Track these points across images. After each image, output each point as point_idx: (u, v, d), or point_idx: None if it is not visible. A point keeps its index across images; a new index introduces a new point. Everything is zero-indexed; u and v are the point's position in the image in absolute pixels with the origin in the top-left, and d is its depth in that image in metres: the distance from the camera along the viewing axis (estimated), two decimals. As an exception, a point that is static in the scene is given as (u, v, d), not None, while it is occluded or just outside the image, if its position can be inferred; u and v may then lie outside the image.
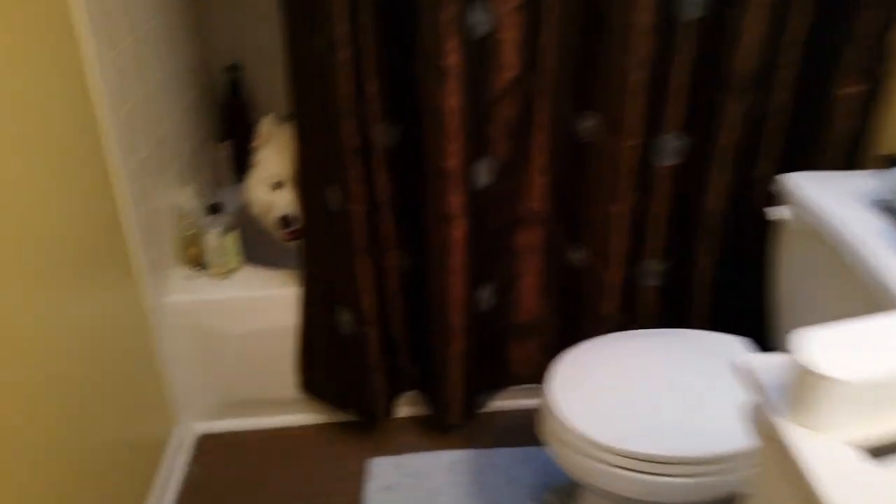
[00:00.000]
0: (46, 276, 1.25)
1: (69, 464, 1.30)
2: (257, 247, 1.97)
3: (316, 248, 1.67)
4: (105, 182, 1.49)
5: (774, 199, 1.46)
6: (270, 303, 1.79)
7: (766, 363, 0.80)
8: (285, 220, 1.74)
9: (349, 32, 1.36)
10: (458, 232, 1.53)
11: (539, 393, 1.90)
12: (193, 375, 1.86)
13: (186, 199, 1.85)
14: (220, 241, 1.77)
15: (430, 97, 1.41)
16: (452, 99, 1.40)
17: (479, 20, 1.39)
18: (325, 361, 1.80)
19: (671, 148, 1.53)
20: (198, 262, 1.85)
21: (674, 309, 1.70)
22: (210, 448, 1.92)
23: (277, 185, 1.77)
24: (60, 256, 1.30)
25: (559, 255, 1.70)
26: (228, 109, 2.33)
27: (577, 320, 1.73)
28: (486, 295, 1.68)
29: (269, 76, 2.00)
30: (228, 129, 2.33)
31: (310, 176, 1.59)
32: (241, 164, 2.27)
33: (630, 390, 1.34)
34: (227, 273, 1.81)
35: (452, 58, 1.36)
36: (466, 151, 1.46)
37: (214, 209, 1.76)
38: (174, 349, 1.81)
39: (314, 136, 1.52)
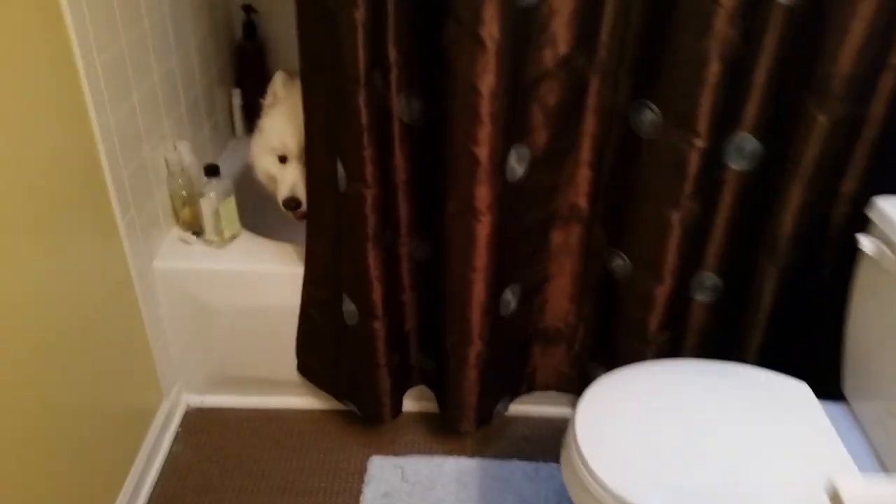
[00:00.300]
0: (19, 232, 1.13)
1: (48, 430, 1.23)
2: (261, 212, 1.78)
3: (322, 230, 1.47)
4: (84, 130, 1.30)
5: (861, 223, 1.23)
6: (270, 279, 1.61)
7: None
8: (291, 203, 1.55)
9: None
10: (483, 229, 1.32)
11: (562, 401, 1.76)
12: (183, 346, 1.71)
13: (183, 154, 1.66)
14: (216, 207, 1.58)
15: (462, 71, 1.18)
16: (488, 76, 1.17)
17: (528, -17, 1.15)
18: (325, 349, 1.63)
19: (743, 151, 1.30)
20: (193, 226, 1.67)
21: (724, 333, 1.49)
22: (198, 423, 1.78)
23: (283, 160, 1.57)
24: (34, 210, 1.17)
25: (598, 258, 1.49)
26: (241, 53, 2.10)
27: (612, 332, 1.53)
28: (510, 296, 1.48)
29: (288, 22, 1.78)
30: (241, 74, 2.11)
31: (318, 151, 1.38)
32: (252, 113, 2.07)
33: (670, 440, 1.14)
34: (225, 241, 1.63)
35: (492, 27, 1.13)
36: (500, 138, 1.24)
37: (212, 171, 1.57)
38: (162, 317, 1.65)
39: (324, 107, 1.31)
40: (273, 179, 1.60)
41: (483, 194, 1.28)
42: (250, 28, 2.08)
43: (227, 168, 1.95)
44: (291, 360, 1.70)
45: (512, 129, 1.27)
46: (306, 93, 1.33)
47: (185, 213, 1.67)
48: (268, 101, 1.61)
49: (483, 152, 1.24)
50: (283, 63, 2.14)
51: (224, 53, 2.02)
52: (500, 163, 1.27)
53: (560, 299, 1.56)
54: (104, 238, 1.41)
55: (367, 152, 1.27)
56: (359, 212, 1.34)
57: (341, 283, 1.50)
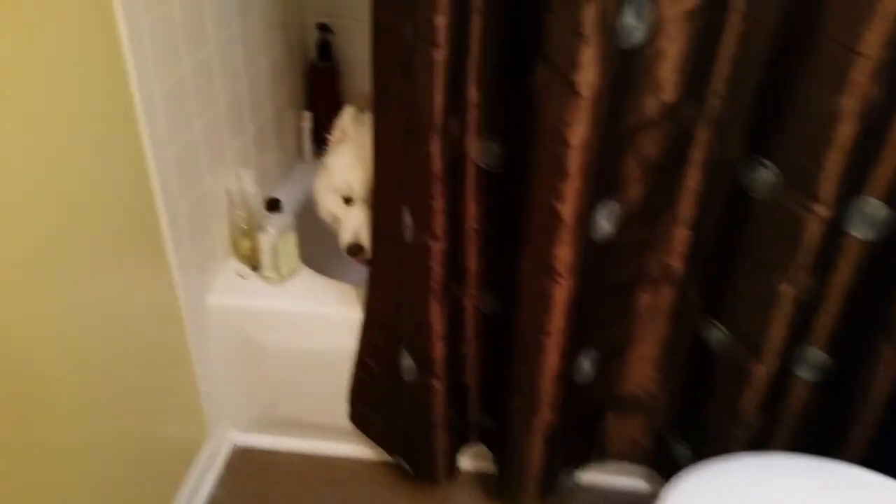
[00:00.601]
0: (66, 262, 1.08)
1: (84, 463, 1.19)
2: (323, 245, 1.68)
3: (384, 278, 1.36)
4: (137, 165, 1.22)
5: None
6: (326, 322, 1.51)
7: None
8: (353, 249, 1.44)
9: (450, 25, 1.00)
10: (561, 291, 1.17)
11: (635, 473, 1.59)
12: (232, 383, 1.63)
13: (245, 183, 1.57)
14: (275, 243, 1.48)
15: (550, 119, 1.04)
16: (580, 126, 1.02)
17: (632, 24, 1.00)
18: (379, 400, 1.52)
19: (869, 217, 1.11)
20: (251, 260, 1.58)
21: (828, 420, 1.30)
22: (243, 465, 1.69)
23: (349, 201, 1.46)
24: (81, 244, 1.11)
25: (689, 325, 1.32)
26: (314, 74, 2.01)
27: (700, 406, 1.36)
28: (586, 361, 1.33)
29: (365, 42, 1.69)
30: (312, 96, 2.02)
31: (385, 195, 1.27)
32: (321, 138, 1.98)
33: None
34: (282, 278, 1.54)
35: (589, 72, 0.98)
36: (588, 194, 1.09)
37: (273, 206, 1.47)
38: (212, 353, 1.56)
39: (395, 150, 1.19)
40: (336, 219, 1.49)
41: (563, 255, 1.14)
42: (325, 48, 1.99)
43: (292, 194, 1.86)
44: (343, 407, 1.59)
45: (602, 183, 1.12)
46: (377, 133, 1.21)
47: (244, 244, 1.59)
48: (335, 137, 1.51)
49: (567, 209, 1.10)
50: (358, 86, 2.06)
51: (296, 75, 1.94)
52: (585, 221, 1.12)
53: (642, 366, 1.40)
54: (155, 272, 1.33)
55: (437, 203, 1.15)
56: (424, 265, 1.21)
57: (400, 336, 1.38)
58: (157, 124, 1.23)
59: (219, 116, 1.48)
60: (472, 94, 1.13)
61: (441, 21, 0.99)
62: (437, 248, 1.19)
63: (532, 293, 1.20)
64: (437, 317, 1.27)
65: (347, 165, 1.44)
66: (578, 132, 1.03)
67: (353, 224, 1.43)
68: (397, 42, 1.10)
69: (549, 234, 1.12)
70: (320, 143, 2.01)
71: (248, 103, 1.62)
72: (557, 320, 1.20)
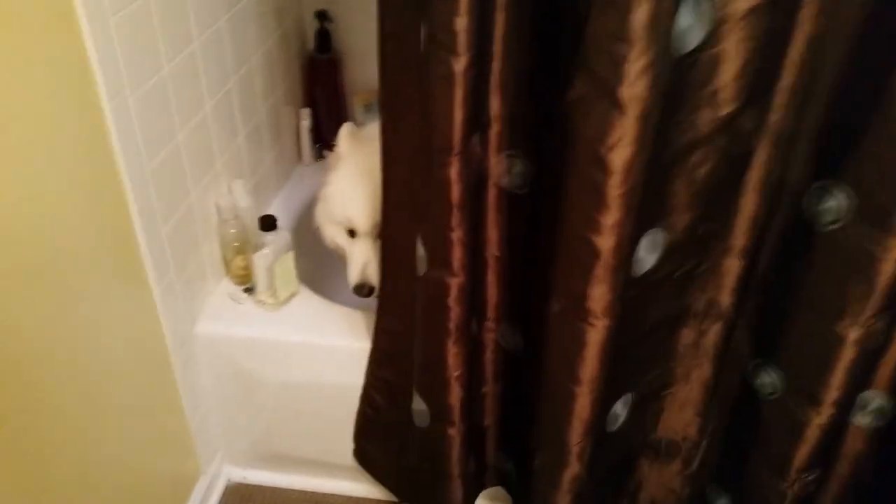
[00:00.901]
0: (43, 297, 0.97)
1: (81, 498, 1.11)
2: (323, 259, 1.52)
3: (395, 309, 1.21)
4: (111, 185, 1.08)
5: None
6: (328, 353, 1.36)
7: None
8: (361, 290, 1.29)
9: (472, 28, 0.84)
10: (596, 335, 1.02)
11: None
12: (226, 417, 1.48)
13: (238, 196, 1.42)
14: (271, 265, 1.33)
15: (588, 140, 0.88)
16: (624, 148, 0.86)
17: (689, 25, 0.83)
18: (388, 440, 1.37)
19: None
20: (246, 280, 1.43)
21: (885, 469, 1.15)
22: (239, 500, 1.55)
23: (353, 233, 1.31)
24: (59, 276, 1.00)
25: (736, 367, 1.17)
26: (312, 67, 1.84)
27: (744, 456, 1.20)
28: (620, 408, 1.18)
29: (368, 31, 1.54)
30: (311, 92, 1.85)
31: (398, 224, 1.11)
32: (322, 137, 1.83)
33: None
34: (279, 303, 1.38)
35: (638, 86, 0.82)
36: (630, 226, 0.93)
37: (268, 225, 1.31)
38: (203, 385, 1.42)
39: (408, 171, 1.03)
40: (338, 249, 1.34)
41: (600, 294, 0.98)
42: (323, 38, 1.82)
43: (290, 201, 1.71)
44: (347, 443, 1.44)
45: (645, 211, 0.96)
46: (386, 151, 1.05)
47: (238, 263, 1.43)
48: (332, 162, 1.35)
49: (605, 243, 0.93)
50: (361, 79, 1.88)
51: (293, 68, 1.77)
52: (626, 255, 0.96)
53: (681, 409, 1.25)
54: (136, 303, 1.19)
55: (456, 234, 0.99)
56: (439, 303, 1.06)
57: (411, 375, 1.23)
58: (131, 138, 1.08)
59: (206, 122, 1.32)
60: (494, 104, 0.97)
61: (461, 24, 0.83)
62: (455, 284, 1.04)
63: (562, 337, 1.04)
64: (454, 360, 1.12)
65: (346, 195, 1.29)
66: (622, 156, 0.87)
67: (360, 261, 1.28)
68: (409, 45, 0.93)
69: (584, 270, 0.96)
70: (321, 142, 1.86)
71: (238, 105, 1.46)
72: (590, 367, 1.05)
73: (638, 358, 1.15)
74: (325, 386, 1.38)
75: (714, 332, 1.15)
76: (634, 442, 1.29)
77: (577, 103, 0.86)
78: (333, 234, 1.36)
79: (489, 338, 1.21)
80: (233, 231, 1.40)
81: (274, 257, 1.32)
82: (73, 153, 0.99)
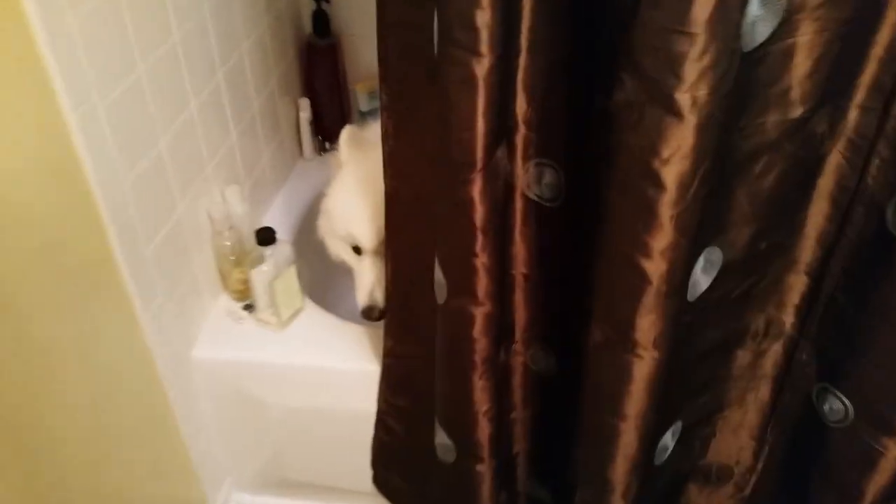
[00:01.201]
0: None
1: None
2: (330, 271, 1.39)
3: (407, 330, 1.08)
4: (83, 207, 0.95)
5: None
6: (338, 378, 1.23)
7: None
8: (370, 314, 1.16)
9: (497, 23, 0.70)
10: (644, 368, 0.88)
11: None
12: (229, 445, 1.37)
13: (232, 203, 1.28)
14: (271, 282, 1.20)
15: (640, 151, 0.73)
16: (683, 160, 0.72)
17: (758, 15, 0.69)
18: (409, 468, 1.26)
19: None
20: (245, 295, 1.30)
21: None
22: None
23: (359, 251, 1.17)
24: (38, 302, 0.89)
25: (798, 391, 1.03)
26: (310, 52, 1.69)
27: (804, 485, 1.08)
28: (669, 439, 1.05)
29: (369, 12, 1.39)
30: (309, 80, 1.70)
31: (405, 240, 0.98)
32: (323, 128, 1.68)
33: None
34: (282, 323, 1.26)
35: (701, 87, 0.67)
36: (686, 249, 0.80)
37: (265, 239, 1.18)
38: (203, 411, 1.30)
39: (420, 183, 0.90)
40: (343, 264, 1.22)
41: (649, 325, 0.84)
42: (321, 20, 1.66)
43: (290, 203, 1.58)
44: (362, 469, 1.32)
45: (702, 228, 0.82)
46: (390, 163, 0.92)
47: (235, 276, 1.30)
48: (332, 165, 1.21)
49: (656, 268, 0.80)
50: (364, 65, 1.73)
51: (288, 55, 1.62)
52: (680, 282, 0.83)
53: (734, 434, 1.12)
54: (121, 330, 1.06)
55: (480, 260, 0.85)
56: (462, 334, 0.93)
57: (430, 403, 1.11)
58: (103, 151, 0.94)
59: (191, 124, 1.18)
60: (521, 105, 0.83)
61: (484, 18, 0.68)
62: (481, 314, 0.91)
63: (604, 369, 0.91)
64: (481, 395, 0.99)
65: (348, 210, 1.16)
66: (678, 170, 0.72)
67: (367, 282, 1.16)
68: (417, 36, 0.79)
69: (631, 298, 0.83)
70: (323, 135, 1.72)
71: (229, 100, 1.32)
72: (637, 403, 0.92)
73: (690, 384, 1.02)
74: (336, 411, 1.26)
75: (774, 353, 1.02)
76: (683, 468, 1.17)
77: (624, 108, 0.72)
78: (338, 250, 1.23)
79: (517, 361, 1.09)
80: (228, 243, 1.27)
81: (274, 273, 1.19)
82: (34, 176, 0.85)
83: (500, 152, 0.80)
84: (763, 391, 1.06)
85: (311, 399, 1.25)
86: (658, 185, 0.74)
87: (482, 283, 0.88)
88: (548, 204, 0.90)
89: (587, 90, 0.77)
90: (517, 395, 1.12)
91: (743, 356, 1.03)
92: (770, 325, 0.99)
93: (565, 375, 1.03)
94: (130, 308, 1.06)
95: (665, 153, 0.72)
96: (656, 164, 0.72)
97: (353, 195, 1.17)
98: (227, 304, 1.31)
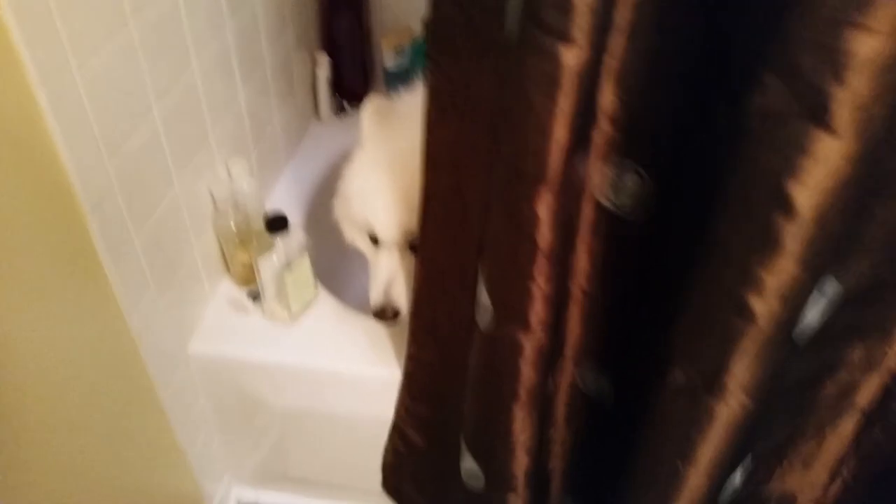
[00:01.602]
0: None
1: None
2: (343, 256, 1.24)
3: (433, 346, 0.93)
4: (58, 193, 0.78)
5: None
6: (351, 382, 1.09)
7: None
8: (384, 314, 1.00)
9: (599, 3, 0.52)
10: (729, 415, 0.74)
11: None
12: (229, 443, 1.24)
13: (238, 178, 1.12)
14: (280, 274, 1.05)
15: (771, 169, 0.57)
16: (825, 183, 0.56)
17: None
18: (426, 480, 1.13)
19: None
20: (251, 280, 1.15)
21: None
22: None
23: (376, 241, 1.01)
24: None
25: (884, 422, 0.89)
26: (330, 4, 1.49)
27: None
28: (738, 478, 0.92)
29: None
30: (328, 32, 1.52)
31: (440, 248, 0.82)
32: (342, 87, 1.51)
33: None
34: (291, 316, 1.11)
35: (869, 95, 0.50)
36: (805, 284, 0.64)
37: (276, 225, 1.02)
38: (201, 409, 1.17)
39: (455, 178, 0.74)
40: (357, 247, 1.06)
41: (744, 370, 0.69)
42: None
43: (306, 171, 1.42)
44: (370, 470, 1.19)
45: (822, 258, 0.66)
46: (432, 153, 0.75)
47: (239, 258, 1.15)
48: (361, 136, 1.04)
49: (768, 309, 0.64)
50: (390, 17, 1.53)
51: (307, 4, 1.43)
52: (792, 322, 0.67)
53: (805, 465, 0.98)
54: (103, 329, 0.92)
55: (538, 286, 0.70)
56: (508, 364, 0.78)
57: (455, 416, 0.97)
58: (82, 128, 0.78)
59: (193, 87, 1.01)
60: (606, 98, 0.65)
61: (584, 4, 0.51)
62: (531, 344, 0.76)
63: (680, 411, 0.77)
64: (521, 426, 0.85)
65: (368, 195, 0.99)
66: (817, 195, 0.56)
67: (383, 277, 1.00)
68: (478, 5, 0.62)
69: (728, 339, 0.68)
70: (342, 94, 1.54)
71: (238, 57, 1.14)
72: (712, 448, 0.78)
73: (769, 418, 0.87)
74: (346, 415, 1.13)
75: (869, 384, 0.87)
76: (741, 497, 1.03)
77: (758, 116, 0.55)
78: (354, 237, 1.07)
79: (564, 378, 0.94)
80: (232, 224, 1.11)
81: (285, 264, 1.04)
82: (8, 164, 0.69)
83: (578, 159, 0.63)
84: (847, 424, 0.92)
85: (321, 401, 1.12)
86: (788, 210, 0.57)
87: (536, 311, 0.72)
88: (625, 215, 0.74)
89: (699, 87, 0.60)
90: (559, 412, 0.97)
91: (831, 386, 0.88)
92: (869, 355, 0.84)
93: (620, 402, 0.89)
94: (114, 302, 0.91)
95: (804, 174, 0.55)
96: (790, 185, 0.56)
97: (374, 179, 1.01)
98: (229, 290, 1.17)
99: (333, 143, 1.47)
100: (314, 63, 1.48)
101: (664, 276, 0.73)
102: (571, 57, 0.53)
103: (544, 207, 0.63)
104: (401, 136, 0.98)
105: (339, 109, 1.55)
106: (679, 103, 0.62)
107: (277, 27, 1.29)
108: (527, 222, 0.64)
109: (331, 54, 1.49)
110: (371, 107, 1.02)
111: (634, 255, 0.76)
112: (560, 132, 0.58)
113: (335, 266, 1.29)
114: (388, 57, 1.54)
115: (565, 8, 0.51)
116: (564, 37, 0.52)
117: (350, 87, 1.53)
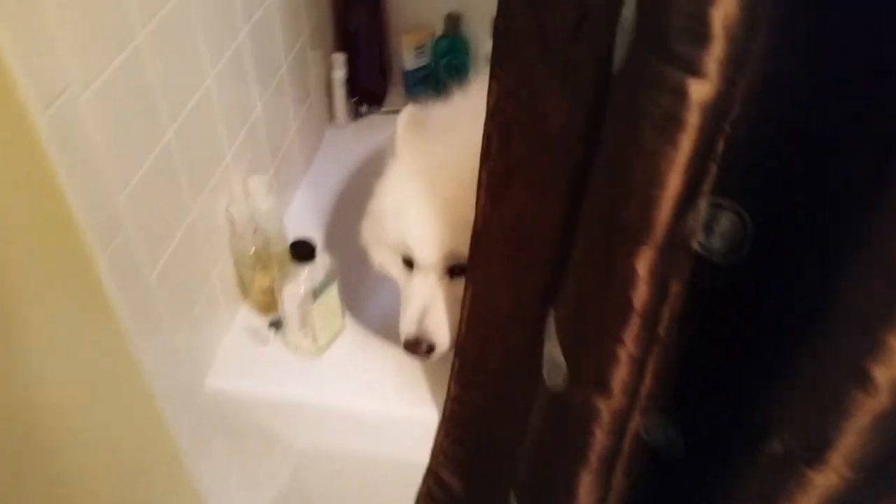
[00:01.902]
0: None
1: None
2: (361, 278, 1.15)
3: (481, 386, 0.85)
4: (61, 221, 0.68)
5: None
6: (382, 423, 1.00)
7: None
8: (416, 347, 0.91)
9: (741, 31, 0.42)
10: (825, 485, 0.65)
11: None
12: (253, 491, 1.15)
13: (257, 196, 1.02)
14: (306, 305, 0.95)
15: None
16: None
17: None
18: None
19: None
20: (271, 307, 1.06)
21: None
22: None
23: (410, 264, 0.92)
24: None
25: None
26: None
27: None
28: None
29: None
30: (345, 30, 1.41)
31: (496, 283, 0.73)
32: (360, 89, 1.41)
33: None
34: (317, 349, 1.02)
35: None
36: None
37: (303, 253, 0.92)
38: (216, 449, 1.08)
39: (522, 220, 0.64)
40: (388, 273, 0.97)
41: (853, 444, 0.60)
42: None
43: (325, 180, 1.32)
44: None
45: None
46: (490, 182, 0.66)
47: (259, 282, 1.05)
48: (393, 151, 0.95)
49: (889, 377, 0.55)
50: (409, 14, 1.42)
51: (319, 2, 1.32)
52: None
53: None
54: (114, 367, 0.83)
55: (627, 349, 0.61)
56: (579, 428, 0.69)
57: (499, 464, 0.88)
58: (88, 160, 0.67)
59: (208, 101, 0.91)
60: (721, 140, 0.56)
61: (722, 18, 0.41)
62: (609, 409, 0.67)
63: (773, 480, 0.68)
64: (587, 490, 0.76)
65: (403, 214, 0.90)
66: None
67: (417, 305, 0.90)
68: (560, 17, 0.52)
69: (840, 411, 0.59)
70: (361, 96, 1.43)
71: (254, 63, 1.04)
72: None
73: (866, 491, 0.79)
74: (374, 457, 1.04)
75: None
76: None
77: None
78: (384, 261, 0.98)
79: (628, 428, 0.85)
80: (252, 247, 1.01)
81: (311, 293, 0.94)
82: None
83: (689, 208, 0.54)
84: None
85: (348, 441, 1.03)
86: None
87: (620, 376, 0.64)
88: (715, 258, 0.64)
89: (815, 115, 0.50)
90: (619, 467, 0.89)
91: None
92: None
93: (690, 460, 0.80)
94: (124, 340, 0.82)
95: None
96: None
97: (410, 195, 0.91)
98: (247, 319, 1.07)
99: (351, 149, 1.38)
100: (329, 65, 1.38)
101: (755, 329, 0.64)
102: (699, 93, 0.44)
103: (644, 264, 0.54)
104: (440, 148, 0.89)
105: (356, 114, 1.44)
106: (789, 135, 0.53)
107: (293, 28, 1.18)
108: (622, 280, 0.55)
109: (347, 54, 1.38)
110: (406, 116, 0.92)
111: (720, 301, 0.67)
112: (676, 181, 0.48)
113: (353, 282, 1.19)
114: (407, 57, 1.44)
115: (701, 35, 0.41)
116: (695, 69, 0.43)
117: (367, 89, 1.43)
